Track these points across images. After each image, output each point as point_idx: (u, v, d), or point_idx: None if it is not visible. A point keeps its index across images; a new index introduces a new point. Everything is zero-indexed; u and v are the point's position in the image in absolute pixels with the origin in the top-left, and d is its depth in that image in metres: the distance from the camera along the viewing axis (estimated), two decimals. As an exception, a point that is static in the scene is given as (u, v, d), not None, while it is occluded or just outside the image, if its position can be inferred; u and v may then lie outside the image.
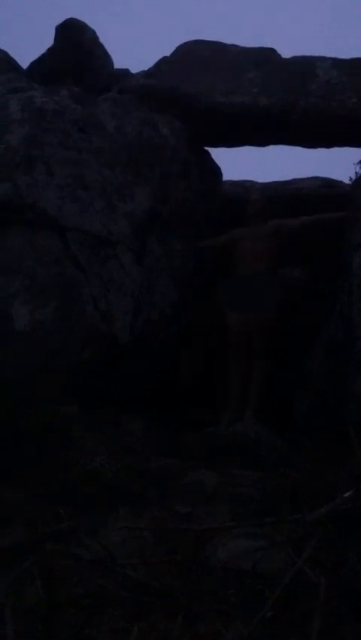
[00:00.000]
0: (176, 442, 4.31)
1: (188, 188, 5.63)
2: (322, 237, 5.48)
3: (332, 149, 5.91)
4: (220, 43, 6.09)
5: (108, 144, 5.01)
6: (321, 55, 5.78)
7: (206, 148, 6.05)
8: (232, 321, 5.23)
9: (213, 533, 2.54)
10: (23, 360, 4.21)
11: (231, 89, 5.59)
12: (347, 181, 5.83)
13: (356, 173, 5.34)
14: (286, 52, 6.04)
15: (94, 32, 5.99)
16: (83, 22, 5.96)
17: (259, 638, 1.83)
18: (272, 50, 5.93)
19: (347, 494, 2.36)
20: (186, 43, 6.11)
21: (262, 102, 5.48)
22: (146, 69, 5.99)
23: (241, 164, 7.20)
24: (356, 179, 5.35)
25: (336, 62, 5.65)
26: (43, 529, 2.55)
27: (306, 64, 5.68)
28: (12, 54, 5.90)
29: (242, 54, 5.93)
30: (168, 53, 6.07)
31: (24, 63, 5.97)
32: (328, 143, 5.86)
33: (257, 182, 6.88)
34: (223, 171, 6.26)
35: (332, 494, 2.50)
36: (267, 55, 5.88)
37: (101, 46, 6.04)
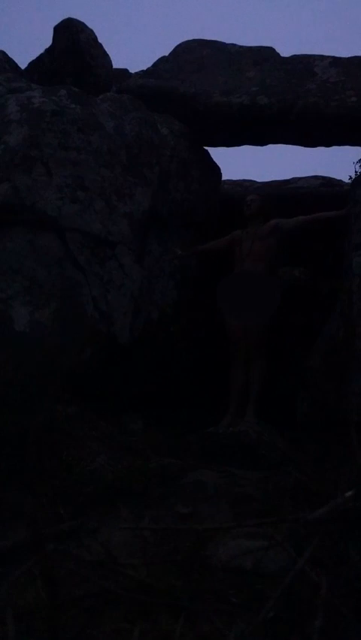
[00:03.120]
0: (176, 442, 4.31)
1: (187, 188, 5.63)
2: (322, 237, 5.48)
3: (331, 148, 5.92)
4: (219, 42, 6.09)
5: (107, 144, 5.00)
6: (320, 53, 5.79)
7: (206, 148, 6.05)
8: (231, 321, 5.23)
9: (214, 533, 2.54)
10: (23, 360, 4.20)
11: (230, 88, 5.59)
12: (346, 180, 5.84)
13: (355, 171, 5.33)
14: (285, 51, 6.06)
15: (92, 32, 5.99)
16: (82, 23, 5.96)
17: (260, 637, 1.83)
18: (271, 49, 5.93)
19: (348, 493, 2.36)
20: (184, 43, 6.11)
21: (262, 101, 5.48)
22: (145, 69, 5.99)
23: (241, 163, 7.21)
24: (355, 178, 5.33)
25: (335, 61, 5.65)
26: (44, 530, 2.55)
27: (305, 63, 5.68)
28: (10, 54, 5.91)
29: (241, 53, 5.93)
30: (167, 53, 6.08)
31: (23, 63, 5.98)
32: (327, 142, 5.86)
33: (256, 182, 6.89)
34: (223, 171, 6.28)
35: (332, 493, 2.50)
36: (266, 54, 5.88)
37: (99, 46, 6.03)
